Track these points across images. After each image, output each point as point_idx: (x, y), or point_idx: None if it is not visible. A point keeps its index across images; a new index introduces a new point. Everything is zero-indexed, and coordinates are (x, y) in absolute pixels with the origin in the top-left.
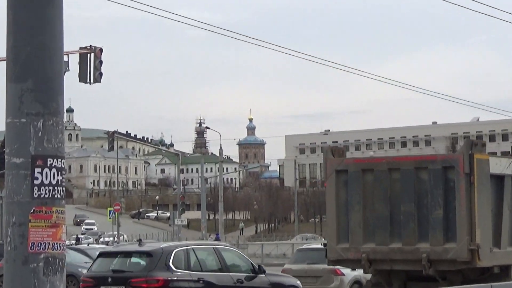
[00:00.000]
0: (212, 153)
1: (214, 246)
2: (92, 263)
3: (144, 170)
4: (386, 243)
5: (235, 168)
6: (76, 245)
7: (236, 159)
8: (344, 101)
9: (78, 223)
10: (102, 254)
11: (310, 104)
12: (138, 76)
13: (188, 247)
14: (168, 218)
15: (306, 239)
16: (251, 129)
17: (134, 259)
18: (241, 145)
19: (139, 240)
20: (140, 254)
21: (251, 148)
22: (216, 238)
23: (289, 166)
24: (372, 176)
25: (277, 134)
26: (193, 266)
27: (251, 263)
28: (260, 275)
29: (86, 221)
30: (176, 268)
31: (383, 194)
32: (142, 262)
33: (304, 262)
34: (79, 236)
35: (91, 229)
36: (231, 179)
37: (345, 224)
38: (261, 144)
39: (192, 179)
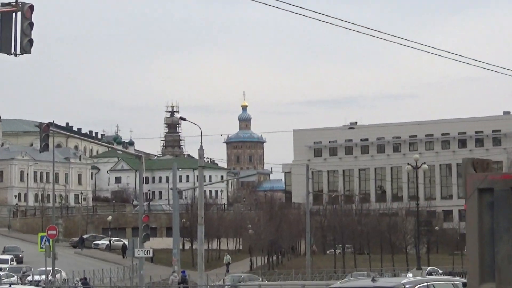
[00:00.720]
0: (188, 155)
1: (453, 282)
2: None
3: (92, 178)
4: None
5: (222, 177)
6: None
7: (223, 163)
8: (378, 81)
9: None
10: None
11: (329, 86)
12: (82, 45)
13: (429, 283)
14: (124, 247)
15: (240, 282)
16: (244, 121)
17: None
18: (231, 143)
19: (372, 276)
20: None
21: (245, 148)
22: (182, 277)
23: (299, 174)
24: None
25: (281, 128)
26: None
27: None
28: None
29: None
30: None
31: None
32: None
33: None
34: None
35: (1, 268)
36: (217, 192)
37: (491, 258)
38: (259, 143)
39: (160, 192)
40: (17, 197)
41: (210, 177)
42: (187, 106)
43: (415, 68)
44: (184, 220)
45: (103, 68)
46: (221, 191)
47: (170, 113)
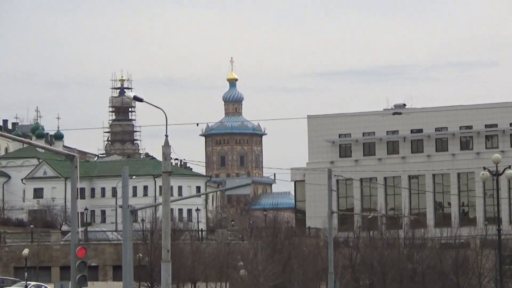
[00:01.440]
0: (147, 155)
1: None
2: None
3: None
4: None
5: (199, 188)
6: None
7: (200, 168)
8: (437, 43)
9: None
10: None
11: (361, 50)
12: None
13: None
14: None
15: None
16: (233, 103)
17: None
18: (213, 137)
19: None
20: None
21: (234, 143)
22: None
23: (317, 184)
24: None
25: (289, 114)
26: None
27: None
28: None
29: None
30: None
31: None
32: None
33: None
34: None
35: None
36: (190, 211)
37: None
38: (255, 136)
39: (103, 212)
40: None
41: (180, 188)
42: (144, 79)
43: (494, 22)
44: (141, 254)
45: (16, 25)
46: (198, 210)
47: (118, 90)
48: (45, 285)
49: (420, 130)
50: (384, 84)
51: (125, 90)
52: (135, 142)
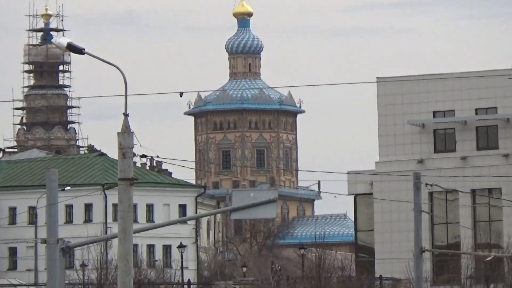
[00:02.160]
0: (91, 149)
1: None
2: None
3: None
4: None
5: (184, 209)
6: None
7: (187, 173)
8: None
9: None
10: None
11: None
12: None
13: None
14: None
15: None
16: (244, 55)
17: None
18: (208, 116)
19: None
20: None
21: (246, 129)
22: None
23: (394, 201)
24: None
25: (343, 76)
26: None
27: None
28: None
29: None
30: None
31: None
32: None
33: None
34: None
35: None
36: (169, 248)
37: None
38: (283, 113)
39: (13, 250)
40: None
41: (150, 208)
42: (86, 15)
43: None
44: None
45: None
46: (183, 247)
47: (39, 34)
48: None
49: None
50: (509, 25)
51: (52, 33)
52: (70, 126)
